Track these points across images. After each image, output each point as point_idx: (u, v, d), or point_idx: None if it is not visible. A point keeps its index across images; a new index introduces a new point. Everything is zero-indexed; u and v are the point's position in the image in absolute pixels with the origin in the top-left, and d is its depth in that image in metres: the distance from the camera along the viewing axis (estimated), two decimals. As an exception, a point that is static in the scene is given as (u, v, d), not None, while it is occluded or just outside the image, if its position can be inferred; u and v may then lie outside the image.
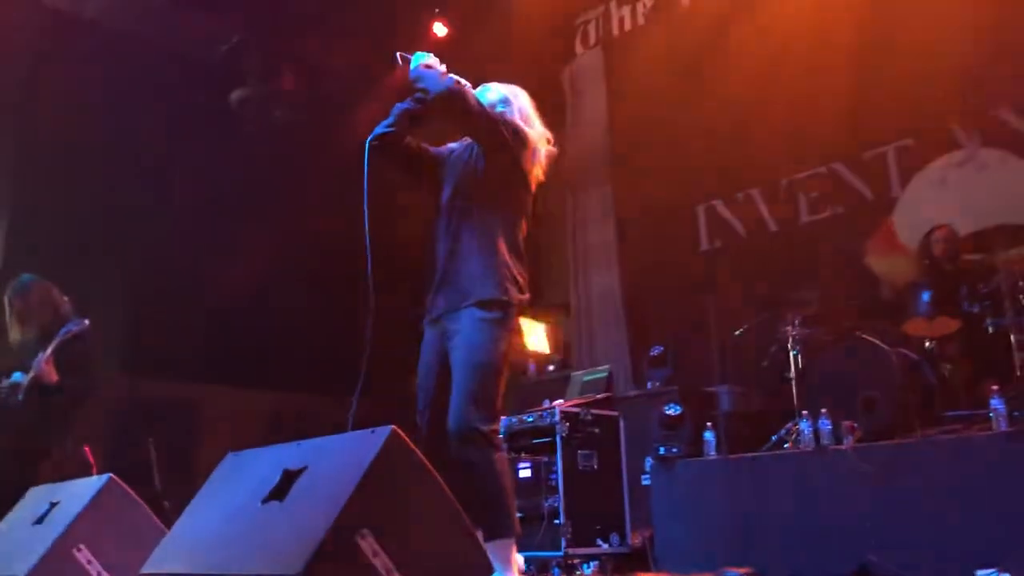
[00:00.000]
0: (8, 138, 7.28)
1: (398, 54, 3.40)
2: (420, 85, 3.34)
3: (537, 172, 3.51)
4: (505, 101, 3.50)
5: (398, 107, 3.40)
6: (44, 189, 7.22)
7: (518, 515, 5.38)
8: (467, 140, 3.49)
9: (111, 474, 3.39)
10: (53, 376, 4.88)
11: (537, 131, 3.49)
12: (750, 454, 5.04)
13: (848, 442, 4.47)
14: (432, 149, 3.53)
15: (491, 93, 3.54)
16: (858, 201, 6.67)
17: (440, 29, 8.50)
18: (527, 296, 3.35)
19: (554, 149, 3.58)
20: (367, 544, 2.16)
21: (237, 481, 2.70)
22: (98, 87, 7.22)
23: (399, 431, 2.33)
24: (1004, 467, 3.91)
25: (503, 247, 3.30)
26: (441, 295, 3.36)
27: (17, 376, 5.11)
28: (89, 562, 3.12)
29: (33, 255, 6.73)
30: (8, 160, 7.33)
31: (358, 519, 2.16)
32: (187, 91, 7.58)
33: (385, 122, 3.39)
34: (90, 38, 7.35)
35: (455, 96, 3.27)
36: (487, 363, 3.18)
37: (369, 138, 3.32)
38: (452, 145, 3.57)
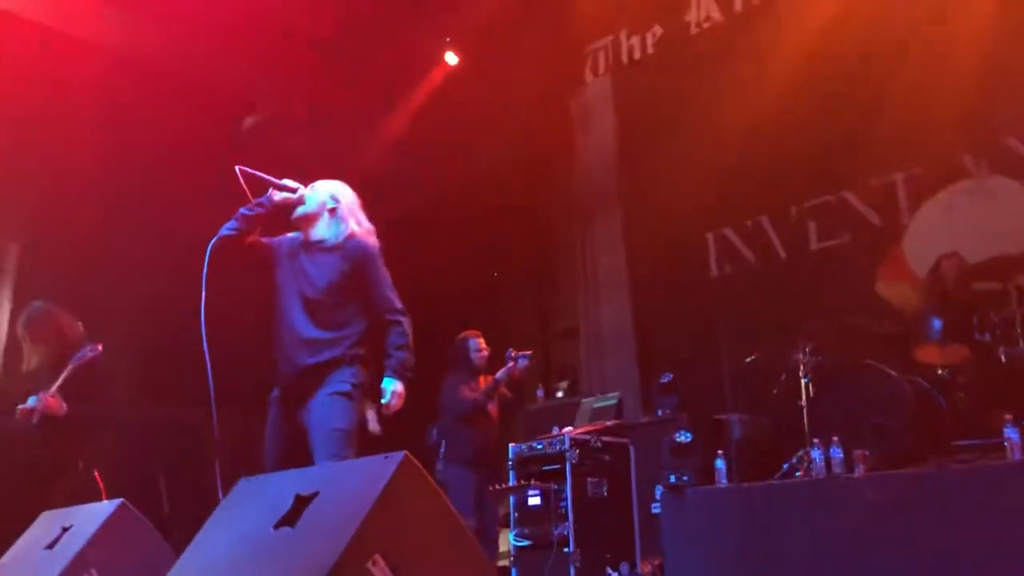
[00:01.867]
0: (26, 161, 7.34)
1: (238, 169, 3.64)
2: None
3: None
4: (334, 199, 3.80)
5: (241, 211, 3.67)
6: (58, 213, 7.28)
7: (527, 543, 5.40)
8: (311, 233, 3.80)
9: (122, 499, 3.40)
10: (61, 409, 4.89)
11: (365, 227, 3.85)
12: (761, 482, 5.01)
13: (860, 471, 4.44)
14: (266, 241, 3.85)
15: (320, 193, 3.82)
16: (867, 229, 6.67)
17: (451, 58, 8.60)
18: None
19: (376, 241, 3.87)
20: (378, 570, 2.17)
21: (249, 506, 2.70)
22: (114, 109, 7.28)
23: (411, 457, 2.34)
24: (1020, 496, 3.88)
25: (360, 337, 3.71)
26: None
27: (32, 401, 5.13)
28: (100, 587, 3.12)
29: (46, 279, 6.79)
30: (24, 184, 7.39)
31: (370, 544, 2.16)
32: (199, 116, 7.64)
33: (228, 224, 3.67)
34: (106, 63, 7.42)
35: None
36: (339, 431, 3.52)
37: (213, 239, 3.61)
38: (288, 236, 3.89)
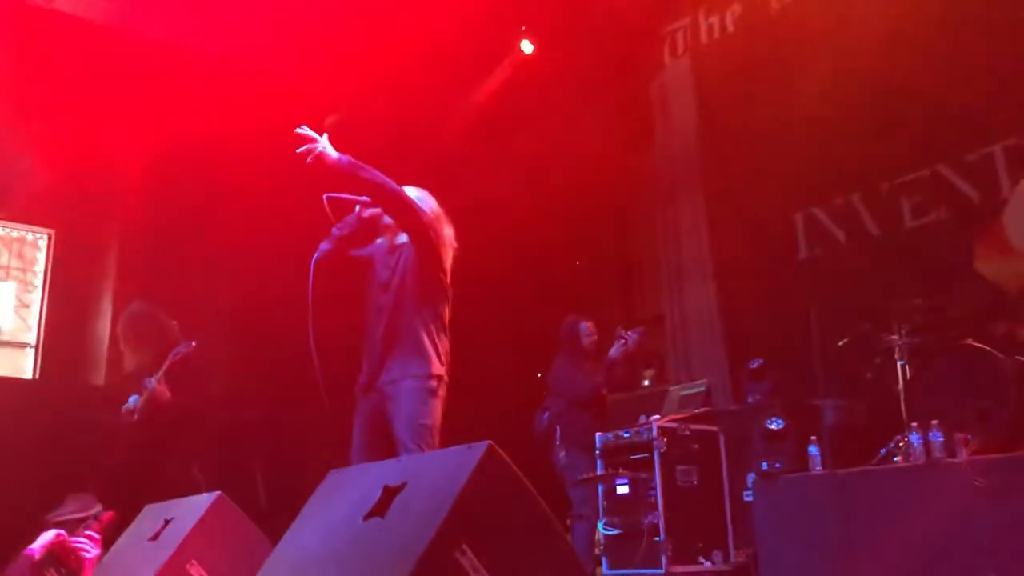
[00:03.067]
0: (126, 159, 7.60)
1: (325, 198, 3.85)
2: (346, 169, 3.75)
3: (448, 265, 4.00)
4: (420, 200, 3.96)
5: (334, 232, 3.89)
6: (156, 212, 7.51)
7: (617, 532, 5.37)
8: (394, 238, 4.01)
9: (220, 491, 3.51)
10: (167, 394, 5.10)
11: (445, 232, 3.99)
12: (858, 469, 4.86)
13: (962, 455, 4.27)
14: (358, 252, 4.09)
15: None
16: (965, 204, 6.40)
17: (527, 46, 8.58)
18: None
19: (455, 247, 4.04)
20: (466, 559, 2.18)
21: (339, 498, 2.76)
22: (212, 111, 7.48)
23: (495, 446, 2.34)
24: None
25: (432, 329, 3.85)
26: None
27: (133, 399, 5.36)
28: (201, 576, 3.23)
29: (145, 278, 7.05)
30: (122, 181, 7.65)
31: (457, 534, 2.18)
32: (290, 113, 7.77)
33: (323, 245, 3.88)
34: (206, 64, 7.63)
35: (399, 198, 3.81)
36: (423, 426, 3.65)
37: (314, 257, 3.84)
38: (377, 242, 4.11)
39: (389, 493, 2.48)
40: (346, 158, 3.73)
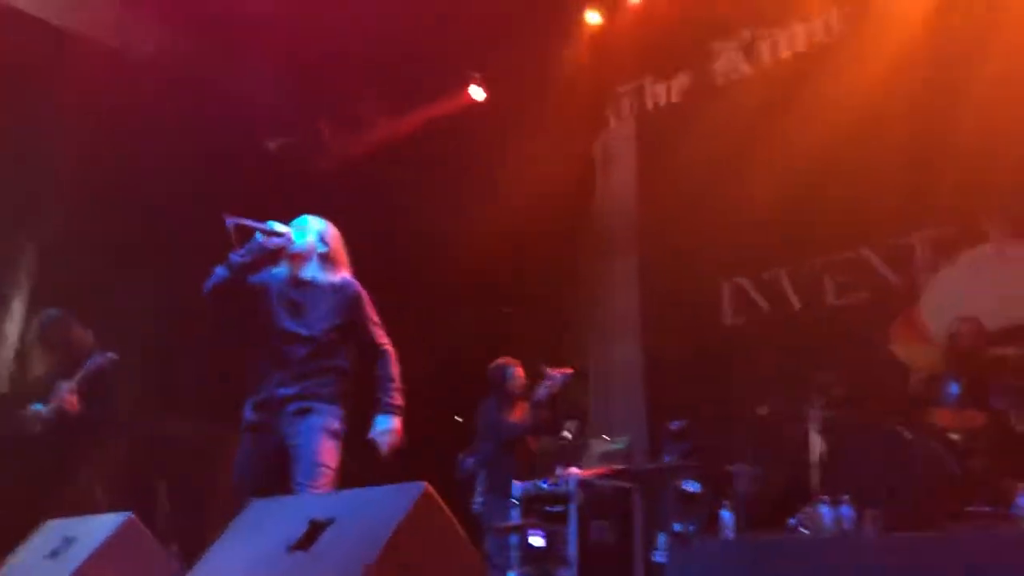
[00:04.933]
0: (40, 167, 7.37)
1: (227, 219, 3.75)
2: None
3: None
4: (324, 241, 4.01)
5: (232, 258, 3.81)
6: (73, 221, 7.28)
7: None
8: (299, 270, 3.98)
9: (130, 513, 3.37)
10: (75, 405, 4.90)
11: (347, 264, 4.08)
12: (769, 537, 4.95)
13: (871, 531, 4.39)
14: (255, 281, 3.97)
15: (308, 233, 4.01)
16: (885, 287, 6.66)
17: (477, 93, 8.66)
18: None
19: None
20: (393, 601, 2.14)
21: (262, 528, 2.68)
22: (135, 118, 7.31)
23: (431, 488, 2.32)
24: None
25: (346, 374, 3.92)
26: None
27: (37, 407, 5.13)
28: (102, 601, 3.08)
29: (60, 284, 6.80)
30: (37, 192, 7.42)
31: (386, 575, 2.14)
32: (224, 131, 7.67)
33: (219, 271, 3.82)
34: (129, 72, 7.47)
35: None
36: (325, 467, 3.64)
37: (206, 285, 3.82)
38: (274, 271, 4.03)
39: (316, 527, 2.43)
40: (393, 410, 3.94)
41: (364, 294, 4.01)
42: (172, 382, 7.15)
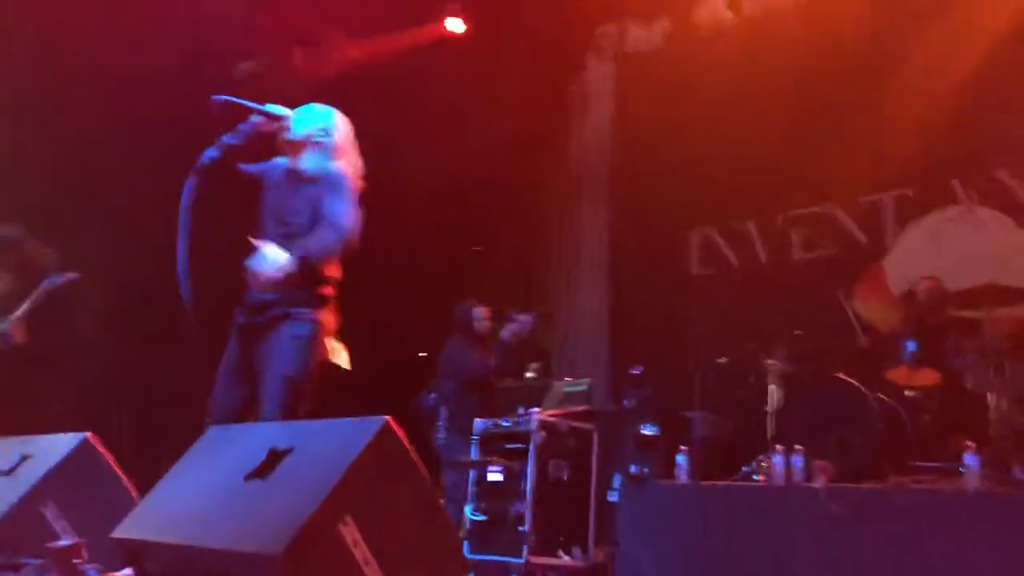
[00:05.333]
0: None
1: (215, 98, 3.43)
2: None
3: None
4: (325, 131, 3.58)
5: (222, 139, 3.45)
6: (31, 143, 7.10)
7: (483, 517, 5.42)
8: (297, 161, 3.59)
9: (88, 433, 3.35)
10: (22, 336, 4.82)
11: (354, 165, 3.62)
12: (721, 483, 5.06)
13: (820, 481, 4.50)
14: (251, 168, 3.67)
15: (311, 117, 3.62)
16: (851, 244, 6.73)
17: (456, 25, 8.48)
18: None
19: (362, 183, 3.65)
20: (348, 532, 2.15)
21: (219, 455, 2.68)
22: (106, 39, 7.10)
23: (392, 422, 2.32)
24: (972, 524, 3.95)
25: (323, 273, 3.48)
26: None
27: (-2, 324, 5.06)
28: (57, 519, 3.08)
29: (17, 211, 6.65)
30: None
31: (342, 506, 2.15)
32: (194, 53, 7.46)
33: (208, 152, 3.44)
34: None
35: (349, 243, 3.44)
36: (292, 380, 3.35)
37: (192, 170, 3.40)
38: (275, 161, 3.69)
39: (274, 456, 2.42)
40: (292, 262, 3.32)
41: (347, 182, 3.52)
42: (135, 310, 7.06)
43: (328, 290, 3.52)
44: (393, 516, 2.26)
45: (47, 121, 7.10)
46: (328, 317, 3.51)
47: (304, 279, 3.36)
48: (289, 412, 3.29)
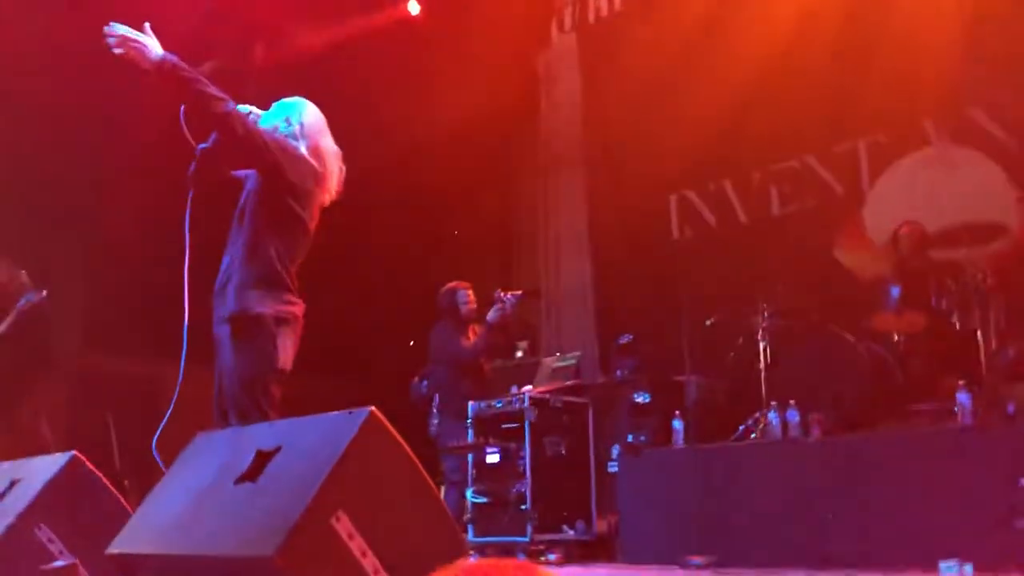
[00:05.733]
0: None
1: (182, 110, 3.27)
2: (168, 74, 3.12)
3: (321, 191, 3.43)
4: (287, 121, 3.46)
5: (199, 148, 3.35)
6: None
7: (484, 500, 5.42)
8: None
9: (75, 451, 3.30)
10: None
11: (326, 148, 3.46)
12: (718, 444, 5.06)
13: (815, 434, 4.51)
14: (238, 173, 3.53)
15: (276, 110, 3.51)
16: (828, 195, 6.72)
17: (414, 7, 8.41)
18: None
19: (343, 166, 3.52)
20: (343, 526, 2.13)
21: (208, 461, 2.64)
22: (65, 47, 7.00)
23: (378, 413, 2.29)
24: (968, 460, 3.97)
25: (274, 264, 3.28)
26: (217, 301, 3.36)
27: (-28, 350, 4.99)
28: (51, 541, 3.04)
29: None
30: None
31: (334, 501, 2.13)
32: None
33: (192, 166, 3.38)
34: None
35: (228, 120, 3.19)
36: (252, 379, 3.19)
37: (189, 189, 3.36)
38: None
39: (262, 457, 2.39)
40: (171, 58, 3.08)
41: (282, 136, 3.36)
42: (112, 318, 7.00)
43: (273, 277, 3.31)
44: (386, 505, 2.23)
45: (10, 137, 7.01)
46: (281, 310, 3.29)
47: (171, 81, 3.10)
48: (253, 414, 3.16)
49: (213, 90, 3.15)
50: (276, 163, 3.24)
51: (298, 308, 3.33)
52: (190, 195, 3.34)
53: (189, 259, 3.28)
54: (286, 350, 3.26)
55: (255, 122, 3.35)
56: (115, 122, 7.19)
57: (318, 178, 3.39)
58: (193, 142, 3.33)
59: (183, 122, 3.29)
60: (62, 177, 7.15)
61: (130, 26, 3.15)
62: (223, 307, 3.31)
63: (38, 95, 6.98)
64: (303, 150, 3.38)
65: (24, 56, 6.79)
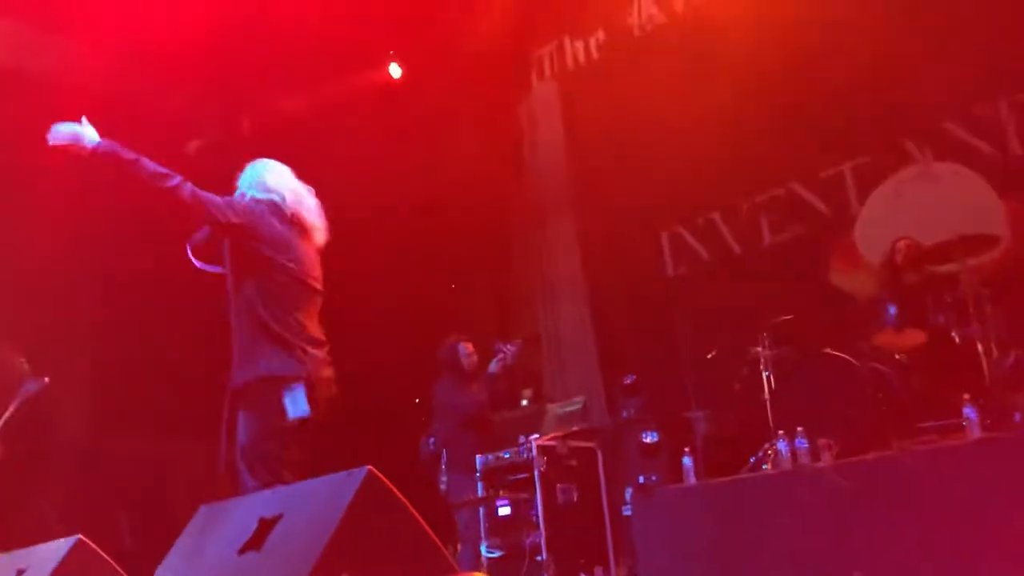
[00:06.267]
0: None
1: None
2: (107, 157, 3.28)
3: (302, 238, 3.58)
4: (252, 185, 3.62)
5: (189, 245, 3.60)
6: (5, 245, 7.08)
7: (498, 554, 5.36)
8: None
9: (79, 535, 3.28)
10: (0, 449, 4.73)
11: (294, 194, 3.61)
12: (729, 478, 5.01)
13: (826, 459, 4.46)
14: (207, 267, 3.70)
15: (244, 175, 3.69)
16: (818, 219, 6.75)
17: (395, 71, 8.56)
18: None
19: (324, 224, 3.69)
20: (348, 588, 2.11)
21: (212, 533, 2.63)
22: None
23: (375, 471, 2.29)
24: (981, 473, 3.92)
25: (268, 324, 3.37)
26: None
27: (-25, 439, 4.97)
28: (59, 629, 3.01)
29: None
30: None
31: (338, 563, 2.12)
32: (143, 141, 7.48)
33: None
34: (38, 92, 7.26)
35: (174, 193, 3.30)
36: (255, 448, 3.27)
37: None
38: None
39: (265, 525, 2.38)
40: (108, 144, 3.23)
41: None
42: (118, 399, 6.99)
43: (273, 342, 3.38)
44: (391, 562, 2.22)
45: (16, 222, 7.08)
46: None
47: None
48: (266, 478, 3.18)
49: (154, 167, 3.26)
50: (231, 224, 3.37)
51: (309, 361, 3.36)
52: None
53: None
54: (296, 405, 3.28)
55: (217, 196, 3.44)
56: (108, 212, 7.26)
57: (296, 224, 3.54)
58: (200, 265, 3.55)
59: (191, 254, 3.56)
60: (63, 254, 7.20)
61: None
62: (233, 382, 3.41)
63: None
64: (271, 200, 3.53)
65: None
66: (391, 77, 8.60)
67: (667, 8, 7.84)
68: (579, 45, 8.47)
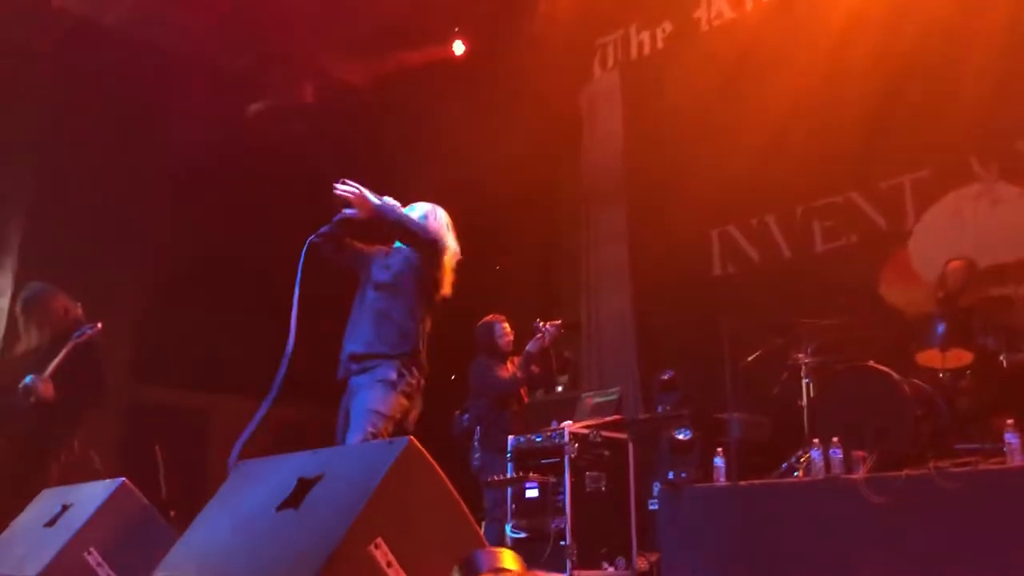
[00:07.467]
0: (28, 141, 7.34)
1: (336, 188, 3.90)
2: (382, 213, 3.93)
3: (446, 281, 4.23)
4: (425, 216, 4.20)
5: (338, 216, 3.97)
6: (60, 196, 7.27)
7: (523, 535, 5.40)
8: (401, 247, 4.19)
9: (124, 478, 3.39)
10: (49, 392, 4.86)
11: (452, 246, 4.23)
12: (760, 482, 5.00)
13: (860, 472, 4.43)
14: (360, 246, 4.22)
15: (416, 211, 4.22)
16: (873, 231, 6.66)
17: (459, 47, 8.58)
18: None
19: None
20: (381, 554, 2.16)
21: (251, 488, 2.70)
22: (116, 92, 7.28)
23: (416, 442, 2.34)
24: (1018, 501, 3.87)
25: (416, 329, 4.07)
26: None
27: (29, 379, 5.12)
28: (99, 565, 3.12)
29: (46, 263, 6.78)
30: (27, 166, 7.39)
31: (372, 528, 2.16)
32: (206, 100, 7.62)
33: (325, 226, 3.99)
34: (110, 46, 7.42)
35: (417, 237, 4.02)
36: (377, 412, 3.78)
37: (311, 237, 3.92)
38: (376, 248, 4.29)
39: (304, 485, 2.45)
40: (388, 204, 3.91)
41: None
42: (161, 351, 7.16)
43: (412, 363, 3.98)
44: (423, 532, 2.27)
45: (71, 173, 7.26)
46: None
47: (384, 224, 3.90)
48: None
49: (410, 222, 3.99)
50: (434, 249, 4.08)
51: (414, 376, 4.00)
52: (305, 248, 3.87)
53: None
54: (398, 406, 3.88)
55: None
56: (169, 163, 7.42)
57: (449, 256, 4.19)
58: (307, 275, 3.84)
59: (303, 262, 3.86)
60: (116, 207, 7.38)
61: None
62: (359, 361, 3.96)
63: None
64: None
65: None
66: (454, 53, 8.63)
67: (737, 4, 7.76)
68: (645, 35, 8.43)
